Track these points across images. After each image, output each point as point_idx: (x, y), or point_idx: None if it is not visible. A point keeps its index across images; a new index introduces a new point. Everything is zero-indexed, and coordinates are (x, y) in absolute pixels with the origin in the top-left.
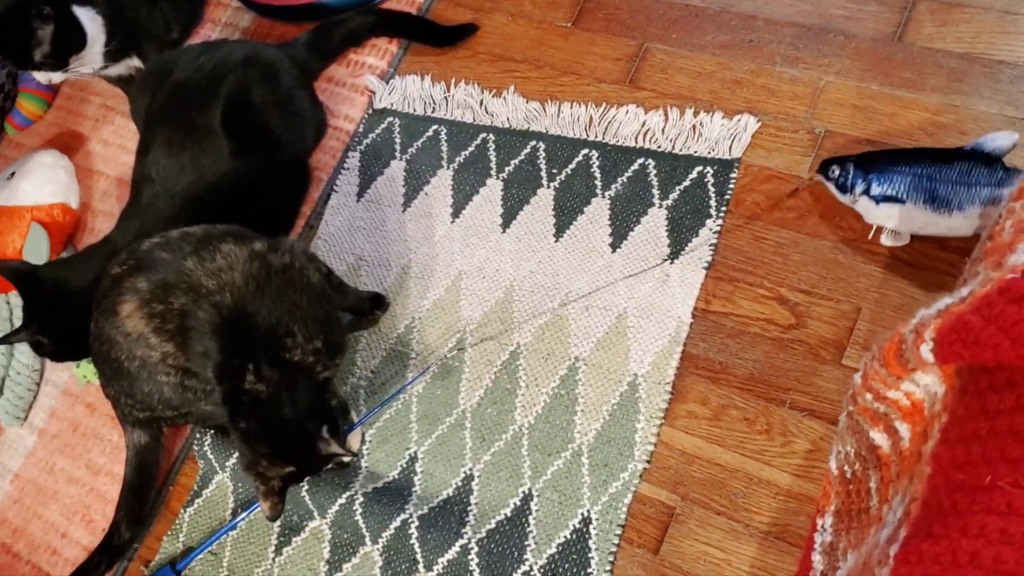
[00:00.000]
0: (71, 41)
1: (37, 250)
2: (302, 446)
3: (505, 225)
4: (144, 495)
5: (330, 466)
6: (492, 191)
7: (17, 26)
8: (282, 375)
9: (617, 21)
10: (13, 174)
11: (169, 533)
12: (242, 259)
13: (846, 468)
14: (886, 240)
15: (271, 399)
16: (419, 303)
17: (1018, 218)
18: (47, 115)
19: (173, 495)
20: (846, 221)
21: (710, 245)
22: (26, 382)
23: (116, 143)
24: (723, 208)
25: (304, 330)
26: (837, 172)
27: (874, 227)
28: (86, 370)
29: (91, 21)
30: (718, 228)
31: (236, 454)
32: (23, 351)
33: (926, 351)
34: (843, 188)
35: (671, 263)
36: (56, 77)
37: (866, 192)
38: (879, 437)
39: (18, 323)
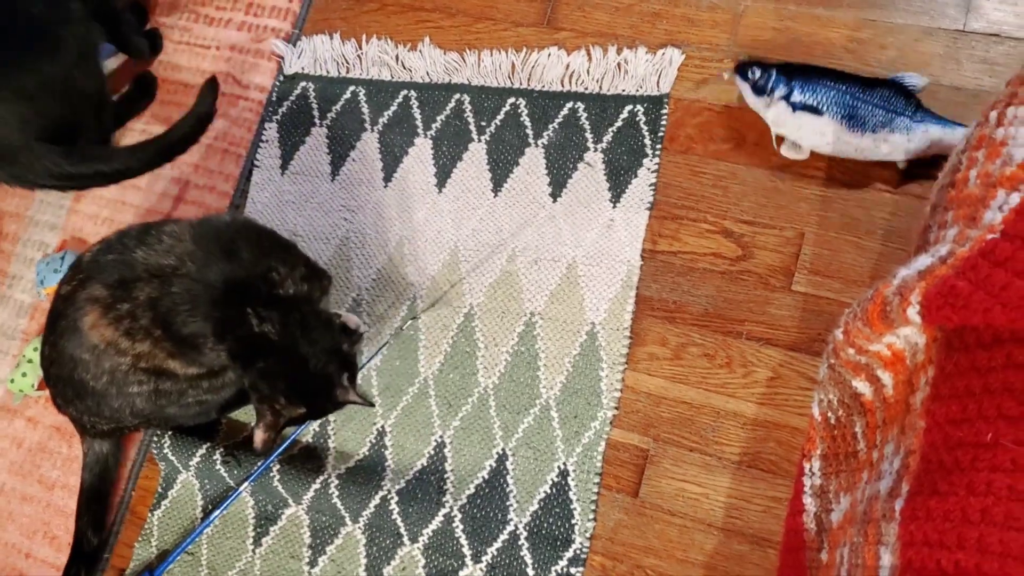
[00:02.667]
0: None
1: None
2: (321, 390)
3: (440, 185)
4: (106, 499)
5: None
6: (422, 150)
7: None
8: (284, 311)
9: None
10: None
11: (140, 539)
12: (187, 230)
13: (829, 415)
14: (787, 151)
15: (284, 338)
16: (363, 274)
17: (984, 170)
18: None
19: (137, 500)
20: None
21: (650, 185)
22: None
23: None
24: (658, 146)
25: (281, 262)
26: (758, 74)
27: (774, 136)
28: (21, 383)
29: None
30: (655, 167)
31: (195, 453)
32: None
33: (913, 314)
34: (760, 90)
35: (615, 207)
36: None
37: (785, 98)
38: (862, 386)
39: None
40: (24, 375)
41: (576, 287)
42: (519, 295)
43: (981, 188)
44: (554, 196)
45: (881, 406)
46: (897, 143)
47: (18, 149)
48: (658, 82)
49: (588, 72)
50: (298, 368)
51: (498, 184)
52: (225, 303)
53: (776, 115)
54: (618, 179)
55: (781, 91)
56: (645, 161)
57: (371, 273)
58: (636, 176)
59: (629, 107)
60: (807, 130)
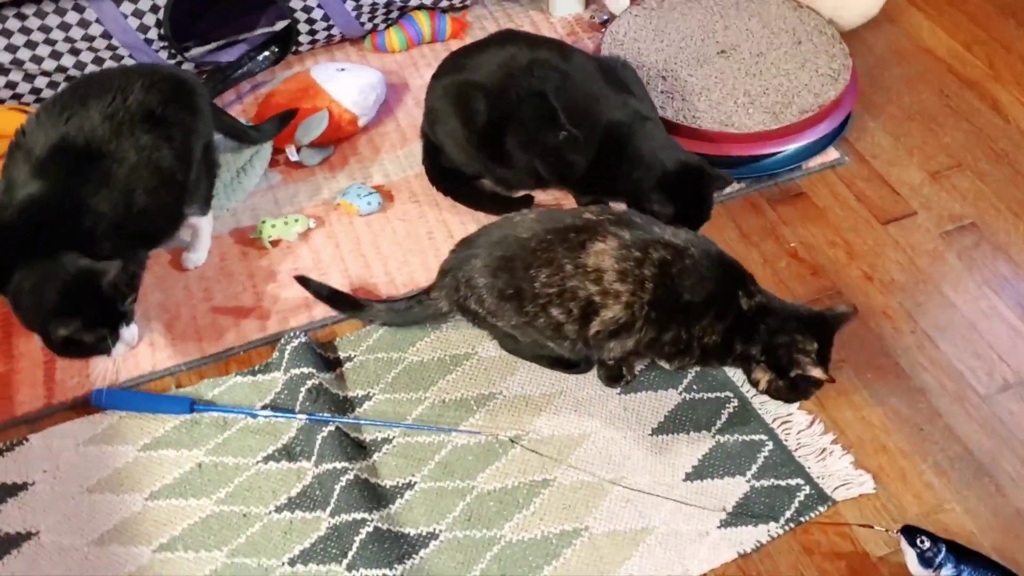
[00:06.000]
0: None
1: (309, 129)
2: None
3: (628, 391)
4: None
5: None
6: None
7: None
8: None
9: None
10: (343, 69)
11: (211, 381)
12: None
13: None
14: None
15: (760, 311)
16: (517, 386)
17: None
18: (399, 54)
19: (238, 360)
20: None
21: (757, 542)
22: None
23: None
24: (790, 525)
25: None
26: (927, 544)
27: None
28: (269, 231)
29: None
30: (774, 535)
31: (301, 367)
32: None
33: None
34: (926, 562)
35: (720, 528)
36: None
37: None
38: None
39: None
40: (273, 226)
41: (633, 547)
42: (593, 508)
43: None
44: (689, 478)
45: None
46: None
47: None
48: (836, 488)
49: (798, 433)
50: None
51: (662, 430)
52: (726, 282)
53: None
54: (742, 512)
55: (949, 571)
56: (771, 525)
57: (518, 392)
58: (755, 527)
59: (800, 480)
60: None
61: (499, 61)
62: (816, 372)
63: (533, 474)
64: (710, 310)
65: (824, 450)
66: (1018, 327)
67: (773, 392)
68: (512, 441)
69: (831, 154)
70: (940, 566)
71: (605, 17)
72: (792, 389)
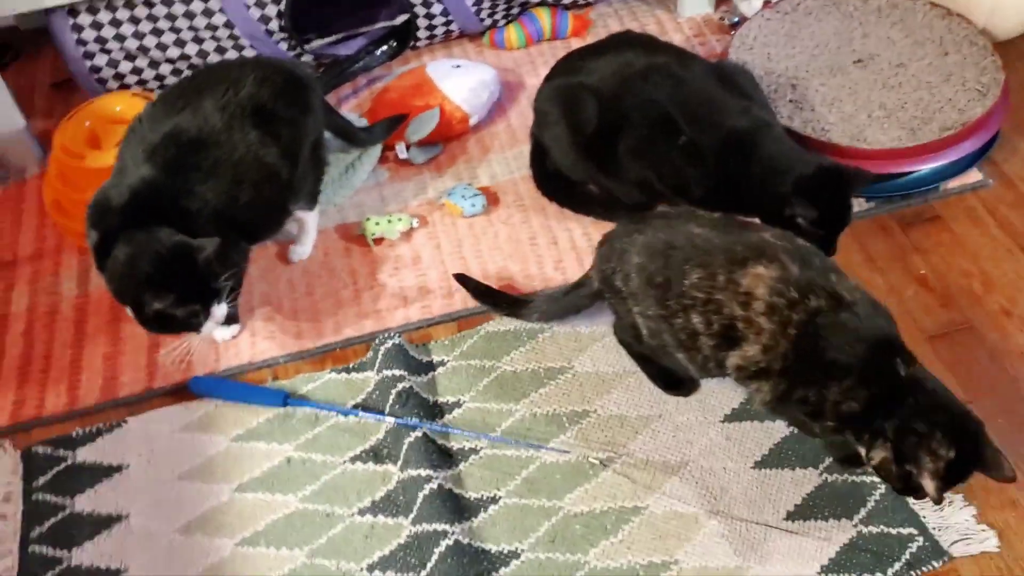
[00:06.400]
0: None
1: (420, 127)
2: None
3: (730, 418)
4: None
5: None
6: None
7: None
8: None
9: (966, 369)
10: (458, 66)
11: (306, 376)
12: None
13: None
14: None
15: (913, 386)
16: (614, 405)
17: None
18: (517, 52)
19: (334, 356)
20: None
21: None
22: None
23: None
24: None
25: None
26: None
27: None
28: (374, 229)
29: None
30: None
31: (393, 369)
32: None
33: None
34: None
35: (820, 573)
36: None
37: None
38: None
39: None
40: (377, 224)
41: None
42: (686, 540)
43: None
44: (790, 517)
45: None
46: None
47: None
48: (954, 543)
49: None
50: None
51: (767, 464)
52: (879, 352)
53: None
54: (843, 561)
55: None
56: None
57: (614, 411)
58: None
59: (913, 531)
60: None
61: (615, 65)
62: (928, 483)
63: (624, 500)
64: (852, 373)
65: (944, 499)
66: None
67: (882, 472)
68: (603, 464)
69: (973, 175)
70: None
71: (736, 19)
72: (901, 480)
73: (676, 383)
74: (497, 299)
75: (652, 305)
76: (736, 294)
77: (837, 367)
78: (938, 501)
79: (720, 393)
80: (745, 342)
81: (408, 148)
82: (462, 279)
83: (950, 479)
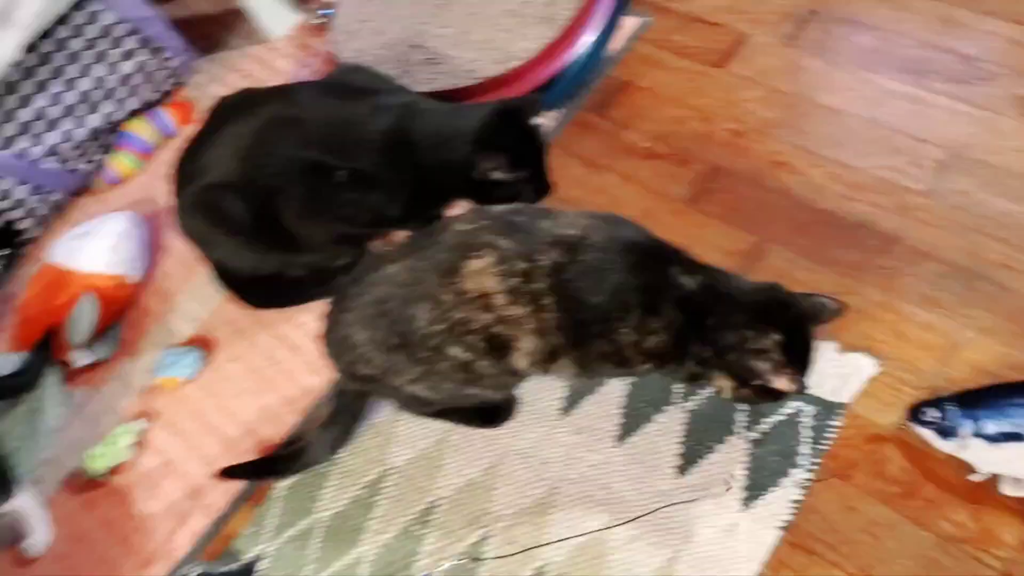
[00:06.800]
0: None
1: (79, 323)
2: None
3: (567, 409)
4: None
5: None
6: None
7: None
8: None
9: (738, 210)
10: (86, 232)
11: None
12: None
13: None
14: (1008, 490)
15: (723, 287)
16: (451, 478)
17: None
18: (138, 175)
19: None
20: (959, 515)
21: (792, 501)
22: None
23: None
24: (816, 460)
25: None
26: (935, 415)
27: (977, 474)
28: (97, 463)
29: None
30: (806, 483)
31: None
32: None
33: None
34: (945, 432)
35: (744, 511)
36: None
37: (979, 433)
38: None
39: None
40: (101, 454)
41: None
42: (600, 570)
43: None
44: (682, 469)
45: None
46: None
47: None
48: (839, 388)
49: None
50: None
51: (627, 432)
52: (640, 268)
53: (976, 455)
54: (759, 479)
55: (968, 427)
56: (795, 472)
57: (458, 481)
58: (779, 485)
59: (797, 403)
60: (1021, 461)
61: (228, 147)
62: (779, 381)
63: (523, 572)
64: (630, 308)
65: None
66: (914, 94)
67: (744, 401)
68: (475, 559)
69: (629, 24)
70: (958, 429)
71: (327, 11)
72: (762, 395)
73: (493, 414)
74: (274, 466)
75: (408, 368)
76: (471, 302)
77: (609, 307)
78: (802, 388)
79: (542, 391)
80: (516, 341)
81: (80, 352)
82: (228, 472)
83: (796, 360)
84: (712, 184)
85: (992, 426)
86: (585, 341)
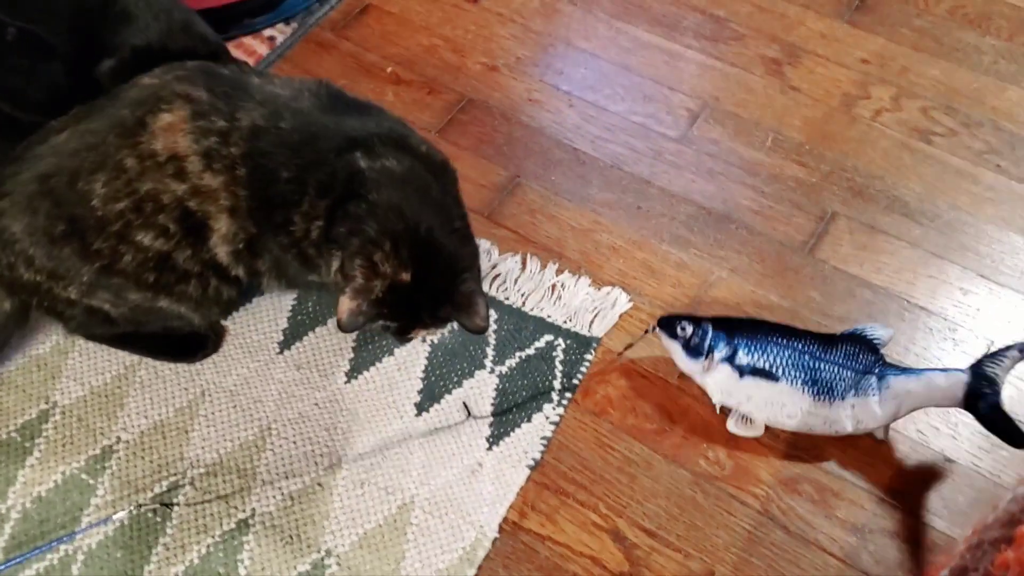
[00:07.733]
0: None
1: None
2: (442, 269)
3: (286, 344)
4: None
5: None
6: (280, 296)
7: None
8: (396, 147)
9: (491, 143)
10: None
11: None
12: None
13: None
14: (735, 427)
15: (408, 174)
16: (134, 419)
17: None
18: None
19: None
20: (716, 453)
21: (542, 438)
22: None
23: None
24: (568, 395)
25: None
26: (690, 330)
27: (717, 407)
28: None
29: None
30: (557, 419)
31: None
32: None
33: None
34: (695, 352)
35: (491, 448)
36: None
37: (729, 360)
38: None
39: None
40: None
41: (401, 536)
42: (322, 520)
43: None
44: (420, 409)
45: None
46: (870, 409)
47: None
48: (592, 322)
49: (515, 281)
50: (419, 226)
51: (357, 370)
52: (331, 138)
53: (718, 382)
54: (506, 416)
55: (722, 351)
56: (547, 407)
57: (145, 422)
58: (529, 421)
59: (549, 337)
60: (760, 400)
61: None
62: (343, 303)
63: (218, 525)
64: (307, 187)
65: (555, 287)
66: (667, 47)
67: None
68: (165, 504)
69: None
70: (711, 350)
71: None
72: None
73: (190, 344)
74: None
75: (80, 266)
76: (162, 168)
77: (294, 185)
78: (348, 328)
79: (258, 322)
80: (212, 219)
81: None
82: None
83: (406, 314)
84: (463, 115)
85: (745, 357)
86: (270, 231)
